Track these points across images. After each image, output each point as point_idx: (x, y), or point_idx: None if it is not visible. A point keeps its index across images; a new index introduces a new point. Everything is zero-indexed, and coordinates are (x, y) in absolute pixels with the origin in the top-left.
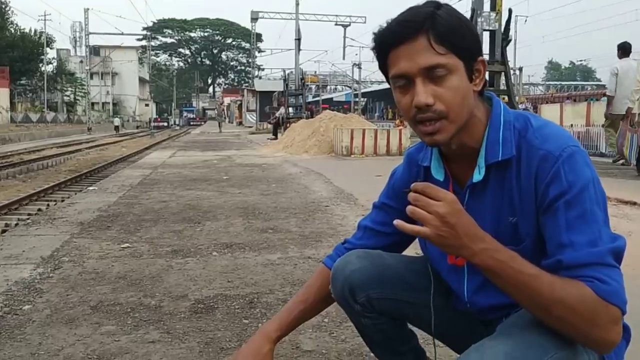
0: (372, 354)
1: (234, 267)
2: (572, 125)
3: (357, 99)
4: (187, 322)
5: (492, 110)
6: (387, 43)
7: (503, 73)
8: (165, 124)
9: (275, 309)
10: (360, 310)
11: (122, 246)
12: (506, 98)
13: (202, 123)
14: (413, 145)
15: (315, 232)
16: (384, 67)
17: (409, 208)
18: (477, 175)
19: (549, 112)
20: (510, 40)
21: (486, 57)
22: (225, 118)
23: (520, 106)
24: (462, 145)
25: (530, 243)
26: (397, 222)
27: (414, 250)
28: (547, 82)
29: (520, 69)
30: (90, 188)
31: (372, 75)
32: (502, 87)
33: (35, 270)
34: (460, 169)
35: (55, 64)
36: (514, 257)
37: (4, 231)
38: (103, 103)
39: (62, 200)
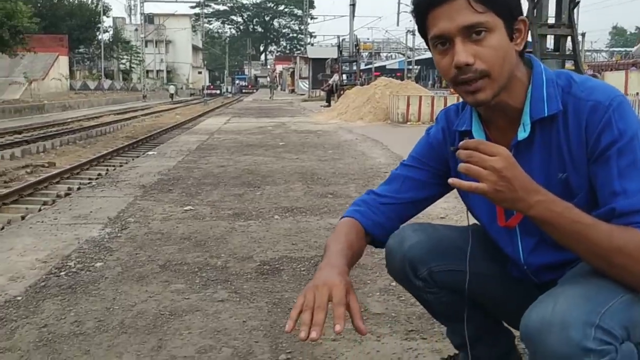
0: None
1: (297, 230)
2: (637, 93)
3: (410, 67)
4: (254, 282)
5: (533, 70)
6: (426, 4)
7: (569, 37)
8: (218, 91)
9: None
10: (422, 285)
11: (185, 209)
12: (573, 64)
13: (254, 91)
14: (446, 107)
15: None
16: (423, 30)
17: (463, 166)
18: (522, 133)
19: (613, 80)
20: (578, 2)
21: (551, 20)
22: (277, 86)
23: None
24: (504, 106)
25: (582, 197)
26: (453, 180)
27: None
28: (611, 49)
29: (583, 35)
30: (150, 153)
31: None
32: (568, 52)
33: (104, 230)
34: (500, 131)
35: (111, 32)
36: (569, 207)
37: (67, 194)
38: (157, 71)
39: (121, 165)
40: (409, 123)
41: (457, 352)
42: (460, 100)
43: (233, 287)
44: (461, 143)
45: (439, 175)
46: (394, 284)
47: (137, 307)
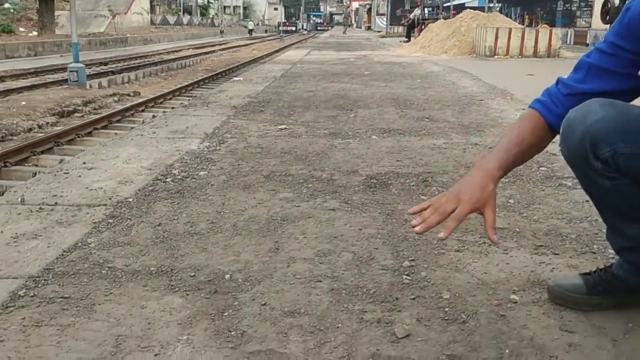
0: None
1: (399, 149)
2: None
3: (491, 4)
4: (362, 194)
5: None
6: None
7: None
8: (293, 28)
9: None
10: (601, 168)
11: (280, 127)
12: None
13: (329, 28)
14: None
15: (475, 123)
16: None
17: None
18: None
19: None
20: None
21: None
22: (351, 23)
23: None
24: None
25: None
26: None
27: None
28: None
29: None
30: (236, 78)
31: None
32: None
33: (202, 144)
34: None
35: None
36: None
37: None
38: (234, 7)
39: (201, 95)
40: (496, 57)
41: (602, 267)
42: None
43: (342, 197)
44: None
45: (634, 63)
46: (511, 200)
47: (248, 212)
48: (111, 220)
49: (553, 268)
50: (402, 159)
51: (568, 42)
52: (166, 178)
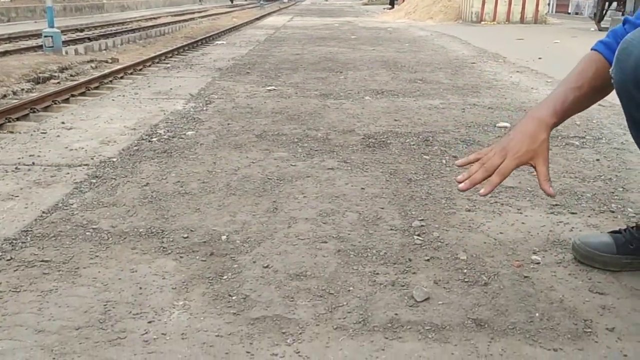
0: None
1: (395, 109)
2: None
3: None
4: (361, 154)
5: None
6: None
7: None
8: None
9: (454, 147)
10: None
11: (268, 88)
12: None
13: None
14: None
15: (470, 85)
16: None
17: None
18: None
19: None
20: None
21: None
22: None
23: None
24: None
25: None
26: None
27: None
28: None
29: None
30: (219, 42)
31: None
32: None
33: (188, 104)
34: None
35: None
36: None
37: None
38: None
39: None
40: (483, 22)
41: (634, 223)
42: None
43: (340, 157)
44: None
45: None
46: None
47: (241, 172)
48: (94, 180)
49: (572, 227)
50: (400, 119)
51: (550, 11)
52: (152, 138)
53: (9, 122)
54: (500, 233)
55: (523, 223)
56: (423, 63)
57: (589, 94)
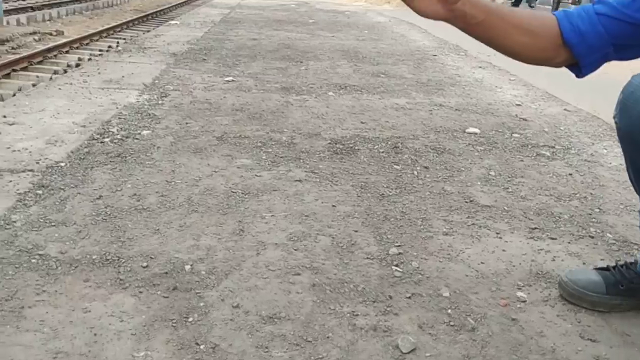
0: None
1: (361, 109)
2: None
3: None
4: (329, 162)
5: None
6: None
7: None
8: None
9: (425, 155)
10: None
11: (226, 79)
12: None
13: None
14: None
15: (434, 80)
16: None
17: None
18: None
19: None
20: None
21: None
22: None
23: None
24: None
25: None
26: None
27: None
28: None
29: None
30: (172, 22)
31: None
32: None
33: (142, 96)
34: None
35: None
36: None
37: (77, 65)
38: None
39: (131, 38)
40: None
41: (623, 261)
42: None
43: (307, 165)
44: None
45: None
46: (492, 172)
47: (203, 183)
48: (40, 192)
49: (554, 256)
50: (367, 121)
51: None
52: (104, 137)
53: None
54: (482, 263)
55: (504, 250)
56: (384, 54)
57: (513, 26)
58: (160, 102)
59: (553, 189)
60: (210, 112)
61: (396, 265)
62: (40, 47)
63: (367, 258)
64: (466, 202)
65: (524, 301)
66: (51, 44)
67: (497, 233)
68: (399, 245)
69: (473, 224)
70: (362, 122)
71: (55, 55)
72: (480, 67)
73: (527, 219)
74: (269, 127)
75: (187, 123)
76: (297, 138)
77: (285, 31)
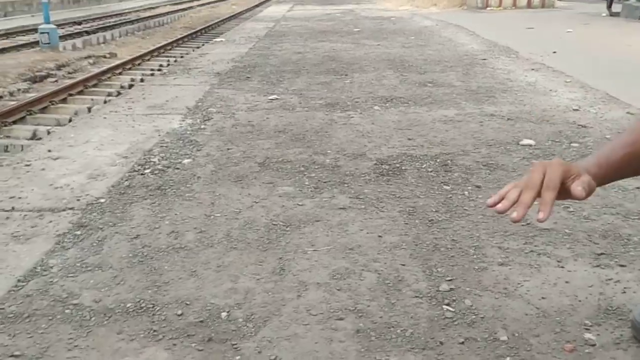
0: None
1: (408, 123)
2: None
3: None
4: (375, 185)
5: None
6: None
7: None
8: None
9: (477, 173)
10: None
11: (270, 97)
12: None
13: None
14: None
15: (484, 87)
16: None
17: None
18: None
19: None
20: None
21: None
22: None
23: None
24: None
25: None
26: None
27: None
28: None
29: None
30: (218, 39)
31: None
32: None
33: (185, 121)
34: None
35: None
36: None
37: (130, 85)
38: None
39: (182, 57)
40: (488, 9)
41: None
42: None
43: (352, 190)
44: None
45: None
46: None
47: (243, 215)
48: (79, 232)
49: (624, 287)
50: (414, 137)
51: None
52: (144, 169)
53: (5, 126)
54: (543, 298)
55: (567, 282)
56: (432, 61)
57: (619, 150)
58: (202, 126)
59: (620, 206)
60: (252, 135)
61: (447, 304)
62: (95, 70)
63: (416, 296)
64: (523, 225)
65: (593, 344)
66: (105, 67)
67: (559, 261)
68: (450, 280)
69: (531, 250)
70: (409, 139)
71: (109, 78)
72: (532, 69)
73: (592, 242)
74: (312, 148)
75: (228, 149)
76: (341, 160)
77: (329, 42)
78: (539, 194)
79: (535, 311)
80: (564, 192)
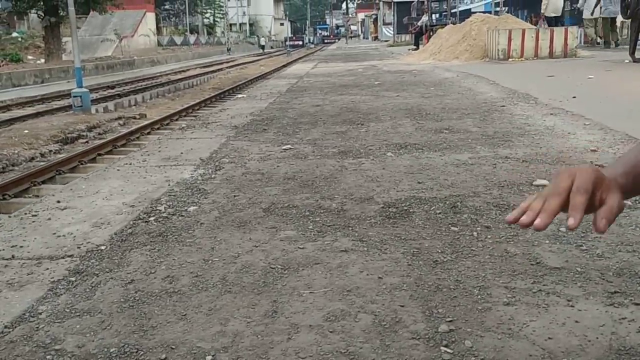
0: None
1: (419, 168)
2: None
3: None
4: (380, 228)
5: None
6: None
7: None
8: (300, 42)
9: (486, 214)
10: None
11: (284, 147)
12: None
13: (336, 40)
14: None
15: (501, 132)
16: None
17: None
18: None
19: None
20: None
21: None
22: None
23: None
24: None
25: None
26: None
27: None
28: None
29: None
30: (240, 96)
31: None
32: None
33: (196, 172)
34: None
35: None
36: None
37: None
38: (240, 24)
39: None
40: (510, 60)
41: None
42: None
43: (356, 233)
44: None
45: None
46: (563, 228)
47: (241, 260)
48: (73, 278)
49: (639, 327)
50: (424, 180)
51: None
52: (149, 217)
53: (35, 185)
54: (549, 338)
55: (577, 321)
56: (449, 109)
57: None
58: (213, 176)
59: (636, 244)
60: (260, 183)
61: (445, 346)
62: (124, 130)
63: (413, 338)
64: (532, 264)
65: None
66: (134, 127)
67: (569, 300)
68: (450, 321)
69: (540, 290)
70: (418, 182)
71: (137, 137)
72: (551, 114)
73: (605, 281)
74: (320, 194)
75: (235, 196)
76: (347, 204)
77: (349, 95)
78: (566, 203)
79: (541, 352)
80: (590, 205)
